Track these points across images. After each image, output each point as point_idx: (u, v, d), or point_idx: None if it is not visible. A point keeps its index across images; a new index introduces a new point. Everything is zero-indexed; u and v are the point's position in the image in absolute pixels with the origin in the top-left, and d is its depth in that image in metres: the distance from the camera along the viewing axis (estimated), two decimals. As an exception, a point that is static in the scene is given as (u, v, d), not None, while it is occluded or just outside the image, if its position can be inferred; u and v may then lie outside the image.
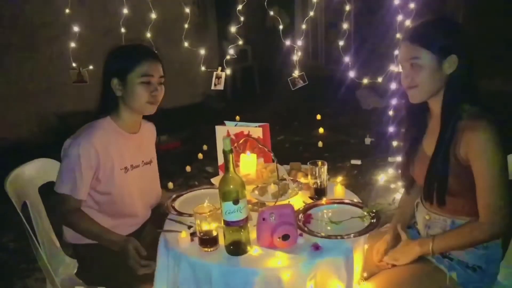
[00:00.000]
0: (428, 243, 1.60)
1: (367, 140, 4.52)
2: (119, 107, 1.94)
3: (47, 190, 2.00)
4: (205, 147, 4.60)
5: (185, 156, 4.67)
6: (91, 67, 3.02)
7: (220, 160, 2.12)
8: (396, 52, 2.62)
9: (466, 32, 1.59)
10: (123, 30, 3.08)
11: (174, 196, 2.01)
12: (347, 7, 3.02)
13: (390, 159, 3.64)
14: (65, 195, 1.83)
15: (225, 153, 1.50)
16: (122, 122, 1.95)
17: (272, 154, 1.81)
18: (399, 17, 2.87)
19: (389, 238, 1.79)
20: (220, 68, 2.88)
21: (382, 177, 3.74)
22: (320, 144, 4.86)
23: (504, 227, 1.51)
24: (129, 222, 2.01)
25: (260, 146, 1.85)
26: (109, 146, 1.89)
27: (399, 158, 3.08)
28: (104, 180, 1.90)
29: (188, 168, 4.39)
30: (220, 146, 2.10)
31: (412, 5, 2.79)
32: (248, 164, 1.91)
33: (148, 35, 3.11)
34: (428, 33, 1.56)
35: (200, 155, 4.56)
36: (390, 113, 3.23)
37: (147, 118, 2.06)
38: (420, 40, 1.55)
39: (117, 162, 1.92)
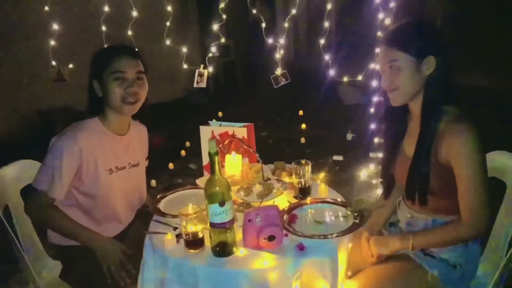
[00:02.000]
0: (409, 238, 1.64)
1: (349, 136, 4.56)
2: (104, 109, 1.93)
3: (28, 192, 1.97)
4: (188, 144, 4.58)
5: (168, 153, 4.65)
6: (71, 65, 2.98)
7: (205, 160, 2.12)
8: (377, 49, 2.66)
9: (442, 33, 1.63)
10: (103, 28, 3.04)
11: (158, 196, 2.00)
12: (329, 5, 3.03)
13: (371, 154, 3.69)
14: (41, 191, 1.81)
15: (210, 156, 1.50)
16: (109, 124, 1.94)
17: (257, 155, 1.82)
18: (380, 15, 2.90)
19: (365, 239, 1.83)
20: (202, 66, 2.87)
21: (364, 173, 3.79)
22: (302, 140, 4.89)
23: (485, 227, 1.55)
24: (113, 224, 2.00)
25: (245, 147, 1.85)
26: (94, 147, 1.88)
27: (380, 154, 3.12)
28: (88, 181, 1.88)
29: (171, 165, 4.38)
30: (204, 147, 2.11)
31: (392, 4, 2.82)
32: (234, 165, 1.92)
33: (130, 32, 3.08)
34: (405, 35, 1.59)
35: (183, 152, 4.54)
36: (372, 110, 3.27)
37: (136, 116, 2.05)
38: (397, 43, 1.58)
39: (101, 163, 1.90)
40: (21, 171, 2.01)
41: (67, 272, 1.97)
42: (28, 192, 1.90)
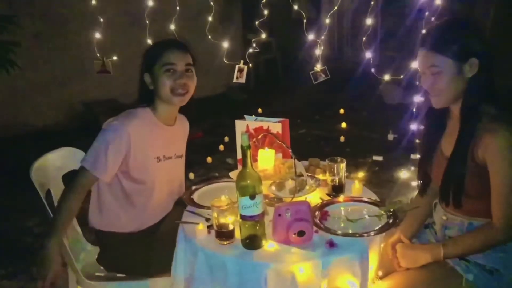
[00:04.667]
0: (439, 250, 1.59)
1: (390, 136, 4.46)
2: (155, 100, 2.00)
3: (71, 179, 2.05)
4: (226, 139, 4.62)
5: (207, 147, 4.71)
6: (114, 57, 3.07)
7: (239, 154, 2.13)
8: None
9: (483, 31, 1.55)
10: (147, 21, 3.11)
11: (193, 188, 2.04)
12: (373, 1, 2.98)
13: (412, 156, 3.59)
14: (84, 168, 1.87)
15: (243, 149, 1.52)
16: (159, 114, 2.01)
17: (290, 150, 1.82)
18: (426, 13, 2.82)
19: (394, 241, 1.79)
20: (242, 62, 2.88)
21: (404, 174, 3.70)
22: (342, 138, 4.83)
23: None
24: (152, 212, 2.04)
25: (279, 142, 1.85)
26: (144, 135, 1.94)
27: (420, 156, 3.04)
28: (136, 167, 1.94)
29: (209, 159, 4.43)
30: (239, 141, 2.12)
31: (438, 1, 2.74)
32: (266, 159, 1.92)
33: (172, 27, 3.14)
34: (444, 38, 1.52)
35: (221, 147, 4.59)
36: (414, 109, 3.19)
37: (182, 109, 2.09)
38: (437, 47, 1.52)
39: (151, 150, 1.97)
40: (63, 158, 2.10)
41: (104, 257, 2.04)
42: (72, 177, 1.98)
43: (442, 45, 1.51)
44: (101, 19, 3.11)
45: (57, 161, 2.07)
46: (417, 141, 3.27)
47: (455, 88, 1.54)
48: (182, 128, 2.17)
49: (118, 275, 1.99)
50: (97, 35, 3.10)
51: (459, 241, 1.60)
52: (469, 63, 1.50)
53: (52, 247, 1.78)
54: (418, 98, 3.06)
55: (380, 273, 1.75)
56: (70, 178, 1.95)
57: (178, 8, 3.15)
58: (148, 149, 1.95)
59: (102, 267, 2.04)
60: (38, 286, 1.78)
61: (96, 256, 2.07)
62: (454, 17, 1.62)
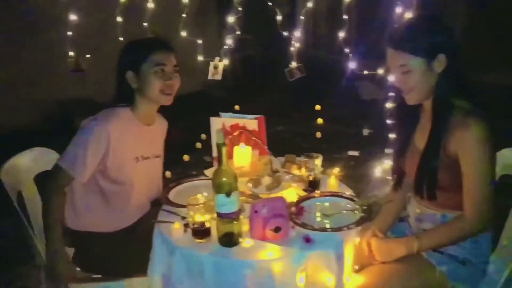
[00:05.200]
0: (413, 243, 1.61)
1: (365, 131, 4.51)
2: (135, 99, 1.97)
3: (45, 180, 2.01)
4: (203, 137, 4.59)
5: (184, 145, 4.67)
6: (88, 55, 3.01)
7: (215, 152, 2.12)
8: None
9: (450, 27, 1.56)
10: (119, 19, 3.06)
11: (169, 186, 2.03)
12: (347, -2, 2.99)
13: (387, 150, 3.64)
14: (61, 168, 1.84)
15: (218, 146, 1.51)
16: (138, 113, 1.99)
17: (266, 147, 1.82)
18: (399, 9, 2.84)
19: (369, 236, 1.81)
20: (218, 58, 2.87)
21: (379, 169, 3.74)
22: (318, 134, 4.86)
23: (486, 222, 1.54)
24: (130, 213, 2.03)
25: (255, 139, 1.85)
26: (123, 134, 1.91)
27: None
28: (114, 167, 1.92)
29: (186, 157, 4.40)
30: (214, 138, 2.11)
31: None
32: (242, 156, 1.92)
33: (146, 24, 3.10)
34: (411, 37, 1.53)
35: (198, 145, 4.56)
36: (388, 105, 3.22)
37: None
38: (404, 46, 1.53)
39: (129, 150, 1.95)
40: (35, 159, 2.05)
41: (79, 257, 2.01)
42: (44, 177, 1.94)
43: (409, 44, 1.52)
44: (73, 16, 3.05)
45: (29, 162, 2.02)
46: (392, 135, 3.32)
47: (426, 84, 1.56)
48: (160, 127, 2.15)
49: (94, 276, 1.96)
50: (69, 33, 3.04)
51: (432, 233, 1.64)
52: (437, 59, 1.52)
53: (58, 260, 1.81)
54: (392, 93, 3.10)
55: (356, 267, 1.77)
56: (43, 178, 1.91)
57: (150, 4, 3.11)
58: (126, 149, 1.93)
59: (78, 268, 2.00)
60: None
61: (71, 257, 2.03)
62: (419, 14, 1.64)
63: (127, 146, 1.93)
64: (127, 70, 1.94)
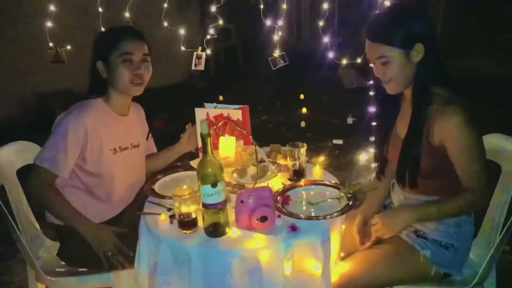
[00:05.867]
0: (419, 209, 1.62)
1: (349, 120, 4.55)
2: (108, 89, 1.95)
3: (26, 173, 1.98)
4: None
5: (168, 137, 4.64)
6: (68, 47, 2.96)
7: (200, 143, 2.12)
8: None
9: (426, 16, 1.58)
10: (100, 9, 3.01)
11: (154, 178, 2.01)
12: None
13: (371, 138, 3.67)
14: (43, 168, 1.82)
15: (202, 136, 1.50)
16: (112, 104, 1.97)
17: (251, 137, 1.82)
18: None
19: (359, 223, 1.85)
20: (200, 48, 2.84)
21: (364, 157, 3.78)
22: (303, 124, 4.88)
23: (488, 192, 1.61)
24: (113, 205, 2.02)
25: (239, 129, 1.85)
26: (99, 127, 1.89)
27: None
28: (92, 160, 1.90)
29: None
30: (199, 129, 2.10)
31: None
32: (227, 147, 1.92)
33: (127, 14, 3.05)
34: (388, 28, 1.54)
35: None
36: (371, 93, 3.24)
37: (134, 99, 2.06)
38: (381, 37, 1.54)
39: (106, 142, 1.92)
40: (17, 152, 2.02)
41: (64, 251, 2.00)
42: (27, 171, 1.91)
43: (386, 36, 1.53)
44: (52, 7, 2.98)
45: (11, 156, 1.99)
46: (376, 123, 3.35)
47: (405, 74, 1.58)
48: (137, 116, 2.12)
49: (80, 269, 1.95)
50: (49, 24, 2.98)
51: (438, 202, 1.63)
52: (415, 48, 1.53)
53: (96, 232, 1.86)
54: (374, 81, 3.12)
55: (342, 254, 1.79)
56: (26, 172, 1.88)
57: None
58: (103, 141, 1.91)
59: (63, 262, 1.99)
60: (118, 262, 1.83)
61: (56, 252, 2.02)
62: (395, 4, 1.64)
63: (103, 138, 1.91)
64: (97, 60, 1.91)
